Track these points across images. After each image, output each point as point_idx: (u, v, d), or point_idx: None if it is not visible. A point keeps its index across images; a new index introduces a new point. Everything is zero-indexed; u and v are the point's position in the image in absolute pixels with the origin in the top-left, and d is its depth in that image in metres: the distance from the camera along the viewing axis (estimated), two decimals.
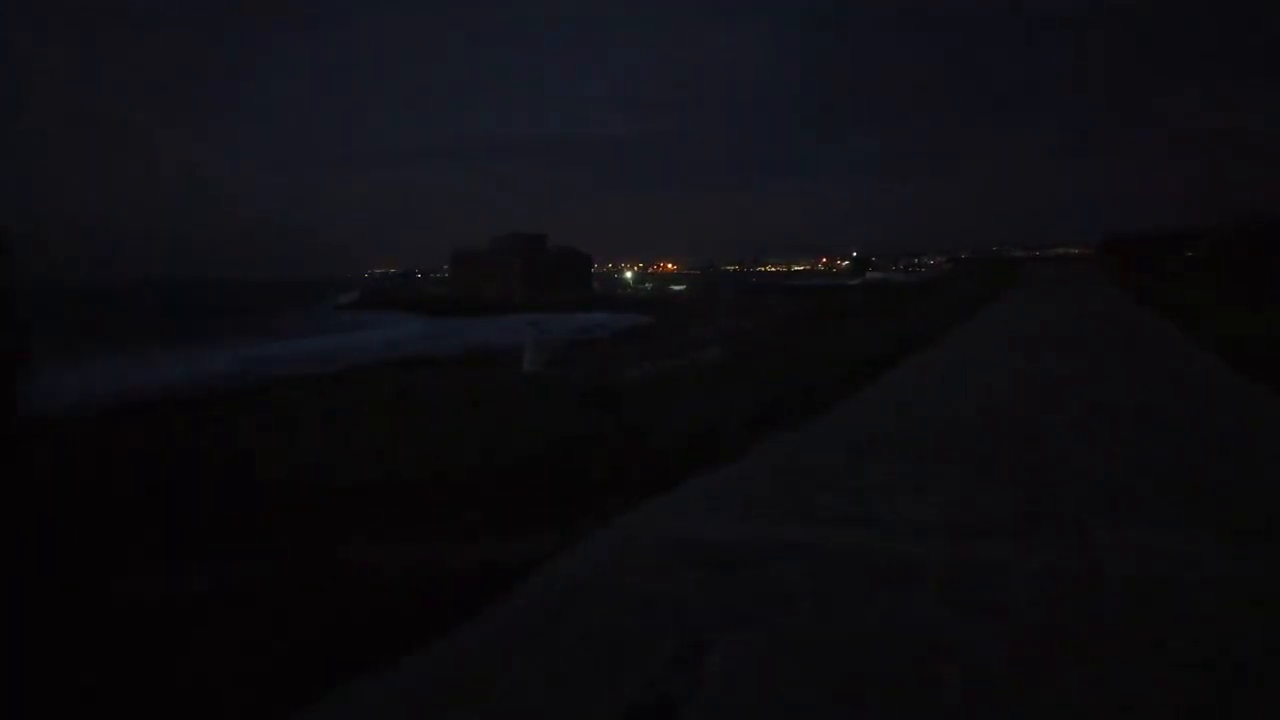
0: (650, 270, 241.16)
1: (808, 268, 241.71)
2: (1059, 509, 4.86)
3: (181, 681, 2.88)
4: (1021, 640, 3.17)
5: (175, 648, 3.08)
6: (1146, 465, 5.80)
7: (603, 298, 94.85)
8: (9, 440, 3.81)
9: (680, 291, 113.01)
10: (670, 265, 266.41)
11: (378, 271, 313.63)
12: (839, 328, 15.63)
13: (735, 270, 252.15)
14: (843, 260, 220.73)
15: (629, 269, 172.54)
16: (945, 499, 5.06)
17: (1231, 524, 4.48)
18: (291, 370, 36.22)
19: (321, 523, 4.48)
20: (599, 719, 2.70)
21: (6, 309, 3.89)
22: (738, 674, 2.96)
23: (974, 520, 4.67)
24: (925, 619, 3.39)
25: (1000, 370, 10.52)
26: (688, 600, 3.60)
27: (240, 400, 16.35)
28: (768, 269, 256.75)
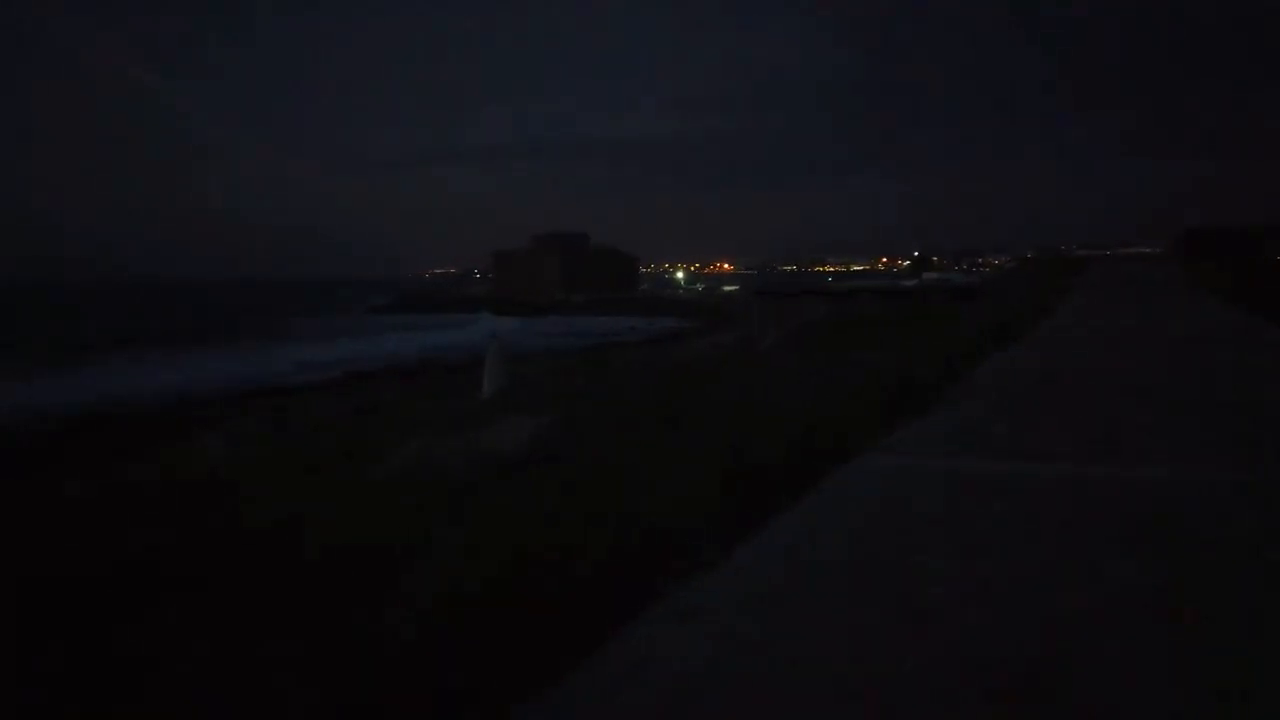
0: (706, 270, 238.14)
1: (867, 267, 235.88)
2: None
3: None
4: None
5: None
6: None
7: (645, 299, 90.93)
8: None
9: (731, 292, 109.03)
10: (727, 265, 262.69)
11: (438, 271, 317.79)
12: (834, 344, 11.67)
13: (793, 270, 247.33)
14: (903, 260, 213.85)
15: (680, 269, 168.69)
16: None
17: None
18: (278, 382, 33.85)
19: None
20: None
21: None
22: None
23: None
24: None
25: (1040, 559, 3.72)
26: None
27: None
28: (827, 269, 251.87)
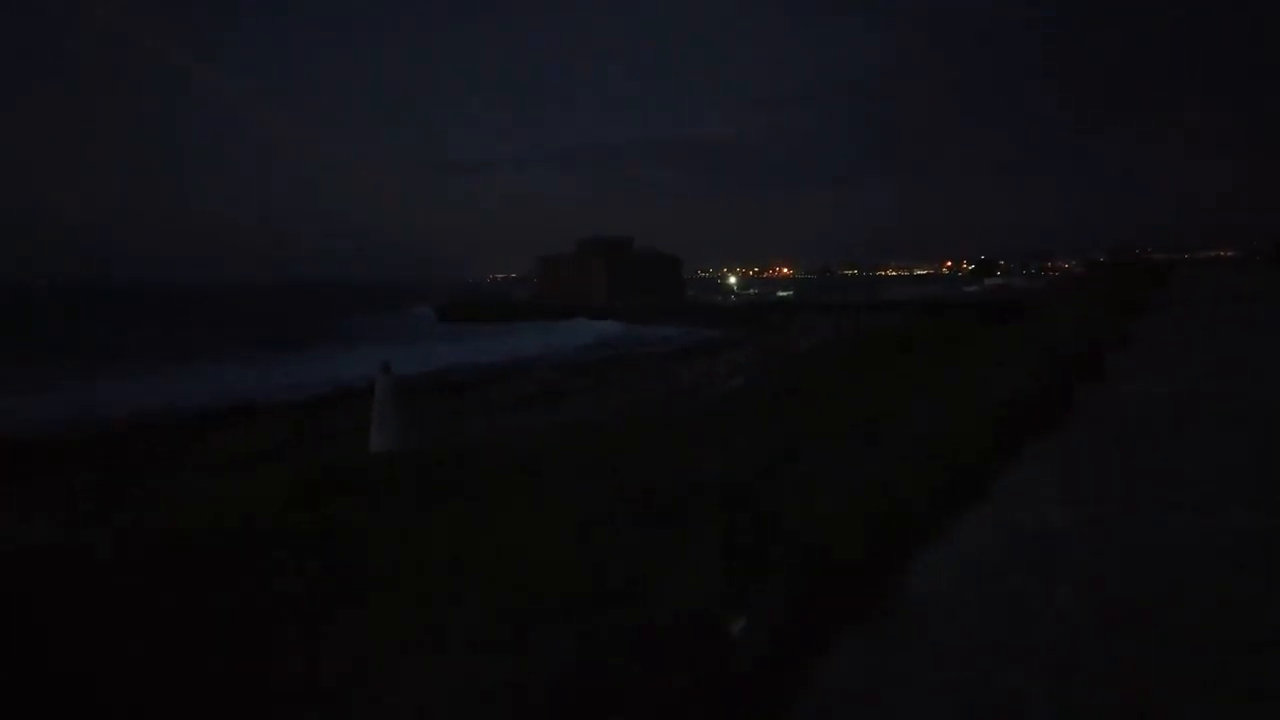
0: (764, 274, 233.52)
1: (930, 272, 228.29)
2: None
3: None
4: None
5: None
6: None
7: (691, 306, 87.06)
8: None
9: (784, 297, 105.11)
10: (786, 269, 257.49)
11: (499, 276, 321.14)
12: (792, 410, 8.08)
13: (853, 274, 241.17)
14: (967, 264, 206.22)
15: (732, 273, 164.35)
16: None
17: None
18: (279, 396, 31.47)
19: None
20: None
21: None
22: None
23: None
24: None
25: None
26: None
27: None
28: (889, 273, 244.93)
